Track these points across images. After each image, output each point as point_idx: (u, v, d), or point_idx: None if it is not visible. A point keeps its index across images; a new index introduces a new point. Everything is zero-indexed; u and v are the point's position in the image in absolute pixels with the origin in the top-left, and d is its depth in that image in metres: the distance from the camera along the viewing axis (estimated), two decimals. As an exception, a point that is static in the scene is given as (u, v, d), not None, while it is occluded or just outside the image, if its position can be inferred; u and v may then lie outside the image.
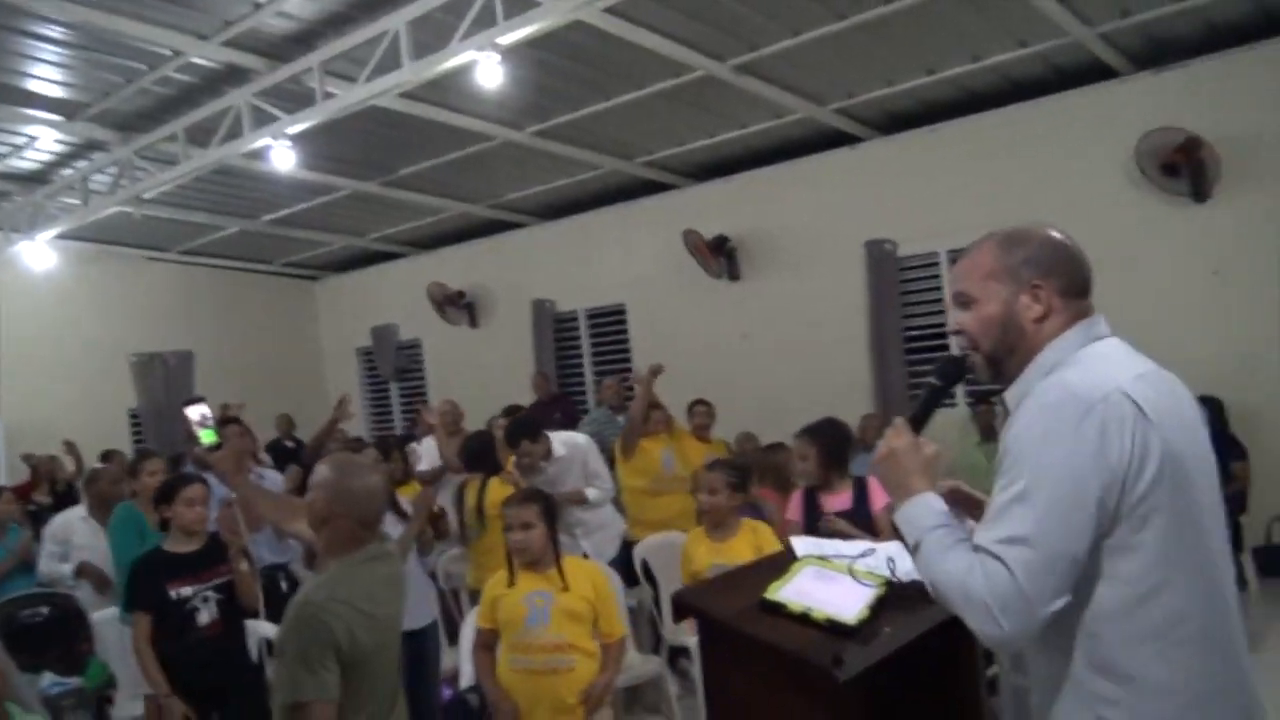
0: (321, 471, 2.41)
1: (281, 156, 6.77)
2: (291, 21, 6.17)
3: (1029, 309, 1.63)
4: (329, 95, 6.42)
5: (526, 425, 5.29)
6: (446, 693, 4.54)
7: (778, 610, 1.90)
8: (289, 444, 9.46)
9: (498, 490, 4.71)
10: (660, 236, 9.31)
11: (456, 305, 11.15)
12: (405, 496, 4.62)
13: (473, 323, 11.25)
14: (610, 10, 5.73)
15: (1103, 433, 1.46)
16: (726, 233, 8.96)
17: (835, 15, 6.17)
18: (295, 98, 6.62)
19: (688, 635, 4.52)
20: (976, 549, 1.50)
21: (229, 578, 3.80)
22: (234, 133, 6.97)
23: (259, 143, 6.81)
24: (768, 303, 8.88)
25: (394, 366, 12.12)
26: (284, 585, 5.35)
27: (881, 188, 8.17)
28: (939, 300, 8.12)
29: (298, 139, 6.80)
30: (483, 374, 10.58)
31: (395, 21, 5.87)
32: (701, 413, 6.62)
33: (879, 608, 1.90)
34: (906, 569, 2.07)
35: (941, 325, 7.99)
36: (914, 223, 7.98)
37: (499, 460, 5.08)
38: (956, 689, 2.11)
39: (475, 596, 4.84)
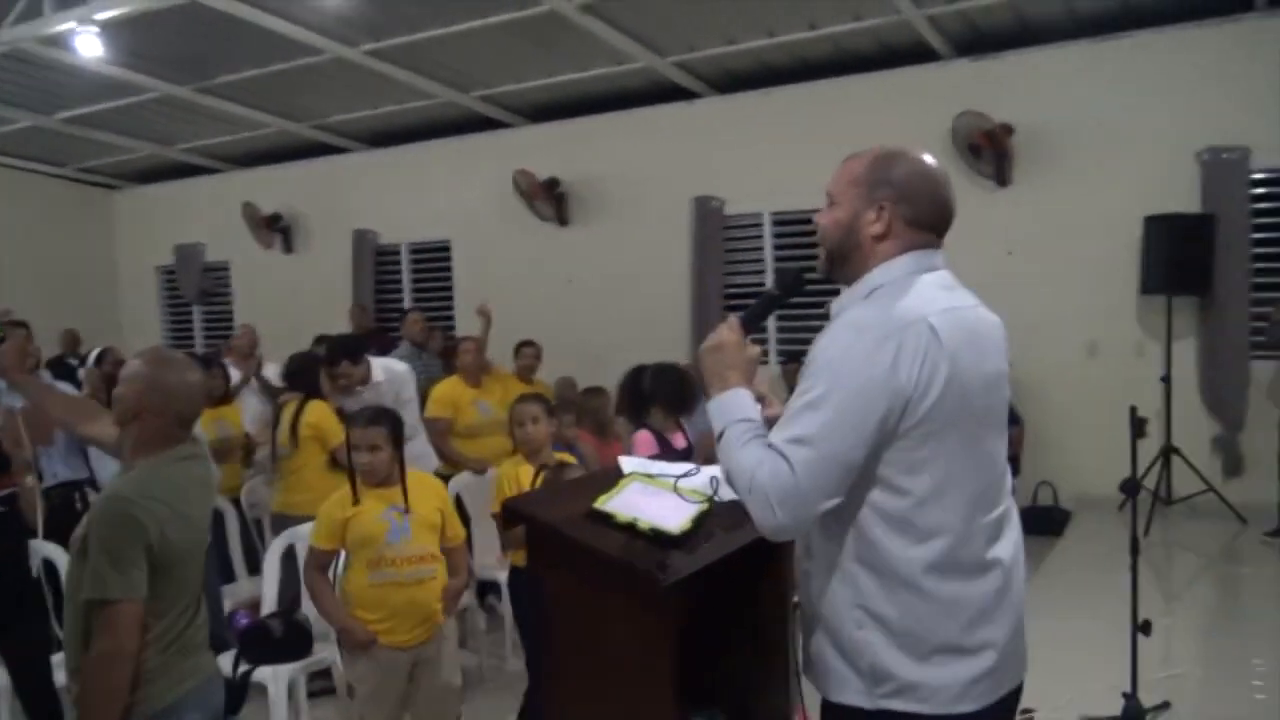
0: (134, 365, 2.27)
1: (88, 44, 6.23)
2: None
3: (870, 225, 1.75)
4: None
5: (349, 346, 5.16)
6: (244, 620, 4.41)
7: (606, 520, 1.96)
8: (72, 361, 8.80)
9: (315, 412, 4.58)
10: (491, 175, 9.19)
11: (271, 228, 10.63)
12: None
13: (288, 248, 10.76)
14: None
15: (897, 356, 1.60)
16: (558, 176, 8.93)
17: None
18: (106, -20, 6.10)
19: (498, 570, 4.55)
20: (769, 446, 1.63)
21: (13, 489, 3.54)
22: (33, 12, 6.34)
23: (62, 26, 6.23)
24: (594, 249, 8.93)
25: (198, 289, 11.47)
26: (79, 505, 5.01)
27: (713, 145, 8.33)
28: (760, 260, 8.40)
29: (106, 28, 6.26)
30: (296, 303, 10.16)
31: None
32: (529, 354, 6.60)
33: (701, 521, 1.98)
34: (728, 490, 2.17)
35: (762, 285, 8.27)
36: (742, 183, 8.21)
37: (319, 381, 4.93)
38: (766, 603, 2.24)
39: (278, 522, 4.70)
